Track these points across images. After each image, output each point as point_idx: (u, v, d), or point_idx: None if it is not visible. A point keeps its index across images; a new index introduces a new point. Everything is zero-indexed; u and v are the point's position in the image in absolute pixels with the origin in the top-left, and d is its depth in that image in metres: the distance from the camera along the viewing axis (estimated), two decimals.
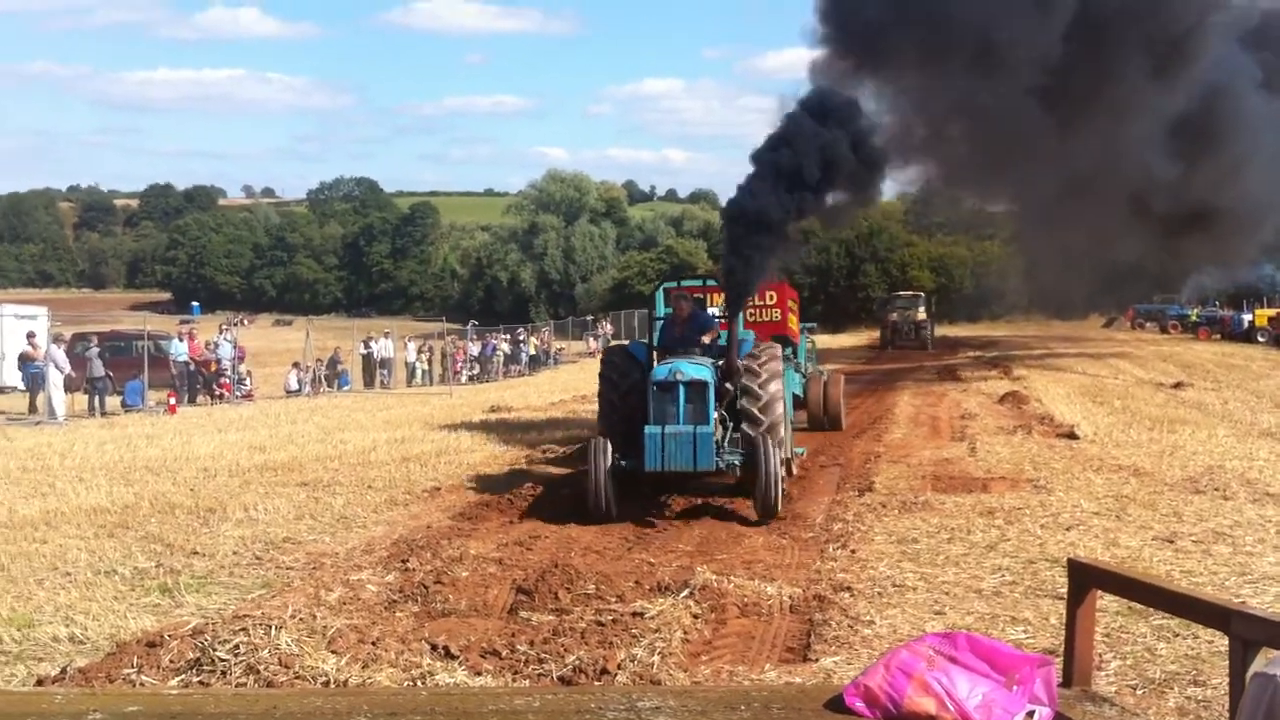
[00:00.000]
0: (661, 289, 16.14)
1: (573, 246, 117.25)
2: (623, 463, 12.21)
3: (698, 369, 12.36)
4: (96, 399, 28.63)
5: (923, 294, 62.10)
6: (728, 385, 12.79)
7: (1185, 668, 6.58)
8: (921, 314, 55.96)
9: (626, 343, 16.04)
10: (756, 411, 12.76)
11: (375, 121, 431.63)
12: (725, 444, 12.48)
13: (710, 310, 15.66)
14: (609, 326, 66.76)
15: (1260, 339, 51.88)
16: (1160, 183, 27.45)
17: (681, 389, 12.12)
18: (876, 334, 60.26)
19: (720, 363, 13.03)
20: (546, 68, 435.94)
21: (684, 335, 13.49)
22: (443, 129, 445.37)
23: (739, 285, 13.64)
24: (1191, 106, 27.25)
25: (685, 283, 16.59)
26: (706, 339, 13.50)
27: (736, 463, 12.29)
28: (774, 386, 12.96)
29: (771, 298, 19.68)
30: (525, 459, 17.29)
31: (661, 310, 15.32)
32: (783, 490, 12.65)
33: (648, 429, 11.97)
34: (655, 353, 13.78)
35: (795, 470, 14.33)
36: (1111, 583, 5.69)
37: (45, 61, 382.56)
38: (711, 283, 16.47)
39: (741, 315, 15.25)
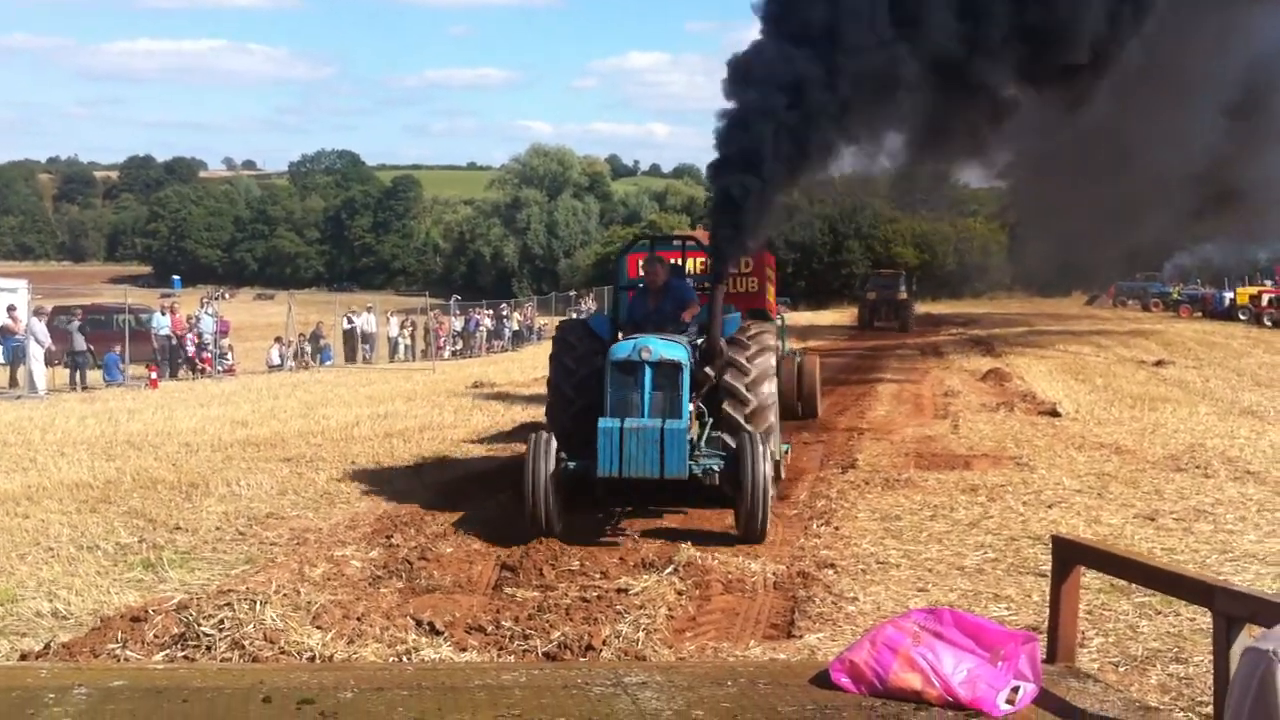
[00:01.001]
0: (628, 253, 14.13)
1: (556, 221, 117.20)
2: (570, 465, 9.93)
3: (671, 347, 10.12)
4: (78, 373, 28.52)
5: (903, 273, 60.42)
6: (707, 370, 10.56)
7: (1167, 645, 6.62)
8: (902, 293, 53.81)
9: (585, 315, 13.57)
10: (743, 400, 10.63)
11: (358, 94, 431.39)
12: (703, 444, 10.34)
13: (688, 280, 12.80)
14: (592, 302, 66.79)
15: (1241, 317, 52.14)
16: (1203, 157, 27.10)
17: (648, 372, 9.92)
18: (858, 312, 57.82)
19: (700, 342, 10.84)
20: (531, 40, 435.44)
21: (658, 309, 11.29)
22: (425, 101, 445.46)
23: (731, 238, 11.30)
24: (1237, 77, 26.81)
25: (660, 247, 13.95)
26: (686, 316, 11.27)
27: (716, 468, 9.98)
28: (765, 368, 10.87)
29: (747, 265, 16.79)
30: (508, 434, 17.27)
31: (624, 275, 13.52)
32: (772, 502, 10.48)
33: (602, 423, 9.65)
34: (621, 330, 11.54)
35: (784, 473, 12.16)
36: (1096, 559, 5.72)
37: (25, 34, 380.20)
38: (692, 245, 13.77)
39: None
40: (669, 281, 11.54)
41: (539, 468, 9.75)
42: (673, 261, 12.56)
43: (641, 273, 11.96)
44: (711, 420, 10.71)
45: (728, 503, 10.10)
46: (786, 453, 12.67)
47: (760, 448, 9.66)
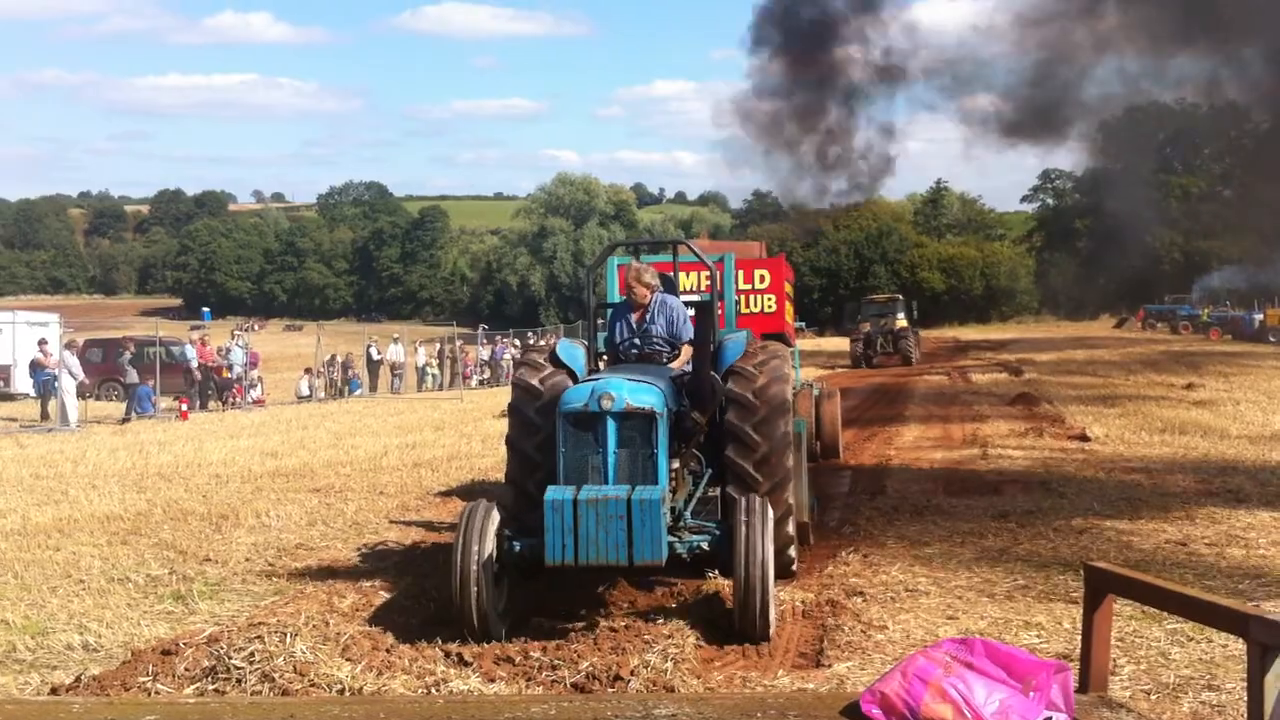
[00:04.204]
0: (614, 261, 11.82)
1: (582, 250, 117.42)
2: (516, 545, 7.84)
3: (642, 390, 7.82)
4: (131, 404, 28.83)
5: (900, 298, 51.32)
6: (695, 415, 8.33)
7: (1199, 672, 6.56)
8: (900, 321, 46.83)
9: (554, 342, 10.55)
10: (750, 445, 8.56)
11: (385, 125, 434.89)
12: (688, 513, 8.18)
13: (687, 297, 10.39)
14: None
15: (1271, 339, 51.86)
16: None
17: (611, 425, 7.69)
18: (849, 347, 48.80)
19: (687, 377, 8.61)
20: (556, 70, 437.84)
21: (643, 333, 9.21)
22: (452, 132, 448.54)
23: None
24: None
25: (650, 258, 11.83)
26: (676, 364, 9.05)
27: (705, 546, 7.92)
28: (778, 401, 8.67)
29: (763, 279, 14.35)
30: None
31: (614, 292, 11.27)
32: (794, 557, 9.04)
33: (551, 492, 7.40)
34: (601, 361, 9.63)
35: (811, 536, 10.42)
36: (1129, 589, 5.66)
37: (56, 69, 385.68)
38: (689, 258, 10.66)
39: (732, 301, 11.57)
40: (659, 299, 9.27)
41: (470, 552, 7.48)
42: (664, 275, 9.98)
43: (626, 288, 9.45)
44: (710, 473, 8.61)
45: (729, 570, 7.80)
46: (813, 510, 10.75)
47: (761, 519, 7.52)
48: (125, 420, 27.77)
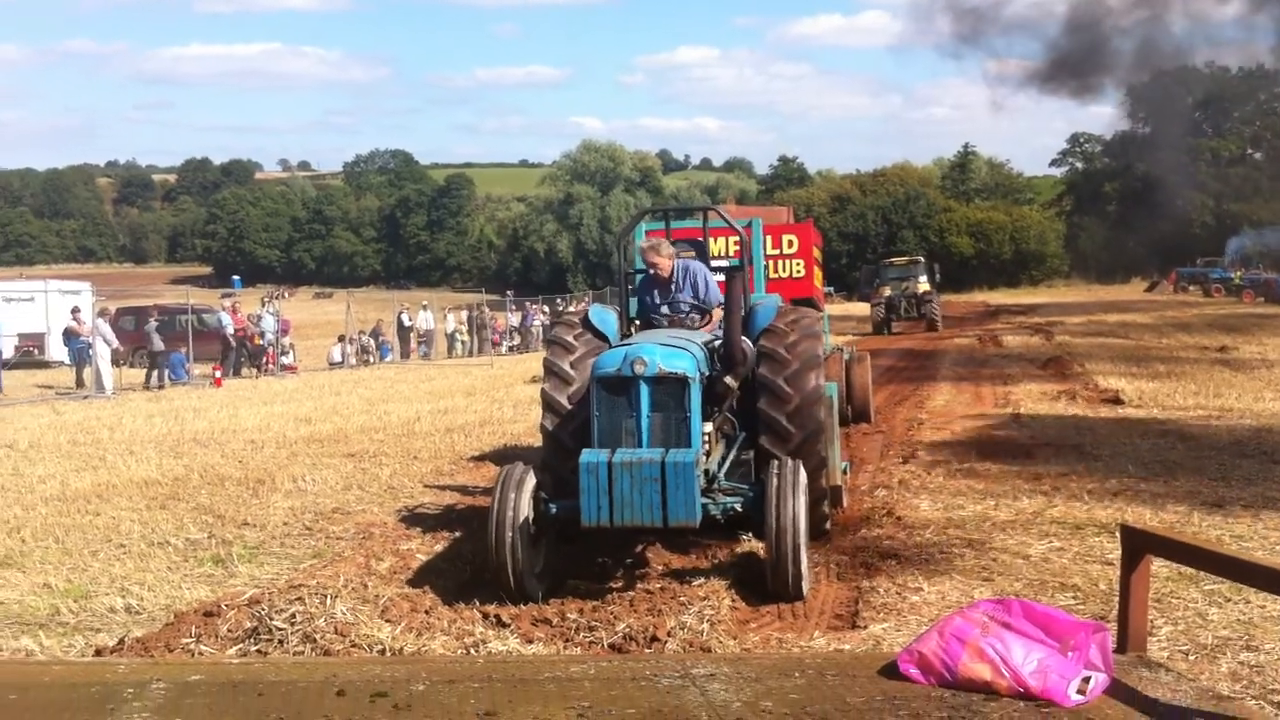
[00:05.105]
0: (644, 227, 11.86)
1: (608, 216, 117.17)
2: (552, 508, 7.96)
3: (675, 355, 7.91)
4: (156, 373, 29.07)
5: (922, 259, 48.38)
6: (728, 380, 8.44)
7: (1237, 633, 6.55)
8: (923, 284, 44.46)
9: (586, 307, 10.61)
10: (783, 397, 8.76)
11: (409, 94, 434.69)
12: (721, 475, 8.25)
13: (716, 263, 10.48)
14: None
15: None
16: None
17: (644, 389, 7.78)
18: (870, 312, 46.75)
19: (718, 342, 8.77)
20: (579, 37, 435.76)
21: (671, 301, 9.48)
22: (476, 100, 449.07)
23: None
24: None
25: (678, 224, 11.93)
26: (707, 327, 9.32)
27: (738, 508, 7.98)
28: (810, 357, 8.91)
29: (791, 244, 14.29)
30: None
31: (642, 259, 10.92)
32: (829, 519, 9.27)
33: (586, 455, 7.51)
34: (632, 326, 9.78)
35: (845, 499, 10.54)
36: (1166, 548, 5.66)
37: (83, 39, 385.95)
38: (717, 224, 10.83)
39: (761, 266, 11.69)
40: (685, 266, 9.48)
41: (506, 514, 7.58)
42: (694, 241, 10.35)
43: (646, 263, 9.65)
44: (743, 436, 8.83)
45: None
46: (846, 472, 10.80)
47: (795, 480, 7.63)
48: (148, 388, 27.99)
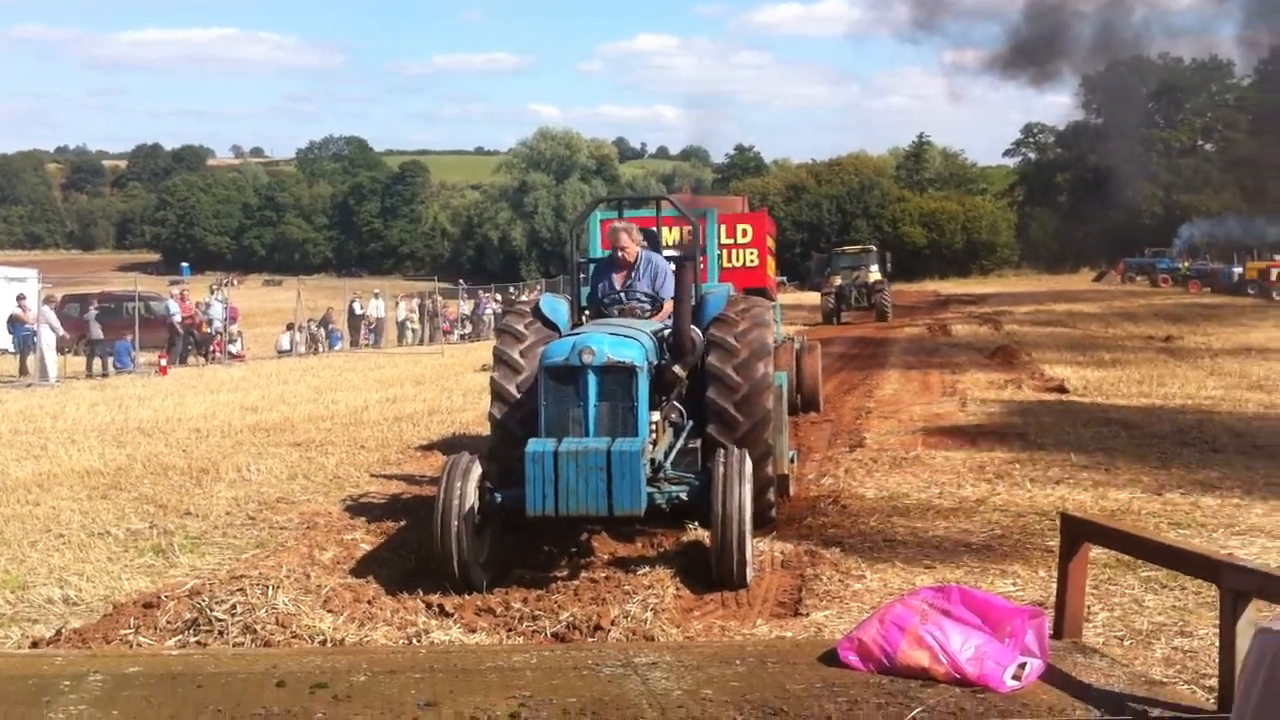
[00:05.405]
0: (597, 216, 11.79)
1: (563, 205, 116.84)
2: (498, 497, 7.94)
3: (623, 345, 7.94)
4: (95, 361, 28.74)
5: (874, 249, 48.31)
6: (676, 369, 8.50)
7: (1172, 619, 6.64)
8: (874, 273, 43.92)
9: (538, 297, 10.72)
10: (731, 386, 8.76)
11: (367, 80, 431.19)
12: (668, 464, 8.26)
13: (669, 252, 10.49)
14: None
15: (1250, 292, 52.08)
16: None
17: (592, 378, 7.77)
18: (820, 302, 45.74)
19: (667, 331, 8.81)
20: (540, 24, 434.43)
21: (627, 288, 9.48)
22: (435, 87, 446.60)
23: None
24: None
25: (632, 213, 11.90)
26: (659, 316, 9.32)
27: (684, 496, 7.99)
28: (759, 346, 8.93)
29: (745, 233, 14.35)
30: None
31: (597, 248, 11.18)
32: (775, 505, 9.26)
33: (532, 445, 7.49)
34: (583, 315, 9.86)
35: (793, 486, 10.65)
36: (1104, 537, 5.73)
37: (35, 24, 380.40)
38: (671, 212, 10.92)
39: (714, 256, 11.70)
40: (643, 255, 9.53)
41: (451, 503, 7.55)
42: (645, 231, 10.16)
43: (612, 244, 9.63)
44: (690, 425, 8.77)
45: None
46: (793, 461, 10.79)
47: (741, 469, 7.68)
48: (90, 376, 27.68)
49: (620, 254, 9.44)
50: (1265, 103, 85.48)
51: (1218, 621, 4.72)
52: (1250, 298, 50.22)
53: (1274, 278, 51.55)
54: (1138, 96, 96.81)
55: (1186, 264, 68.61)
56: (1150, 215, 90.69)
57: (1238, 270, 57.55)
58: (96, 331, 29.20)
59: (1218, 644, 4.75)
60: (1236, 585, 4.50)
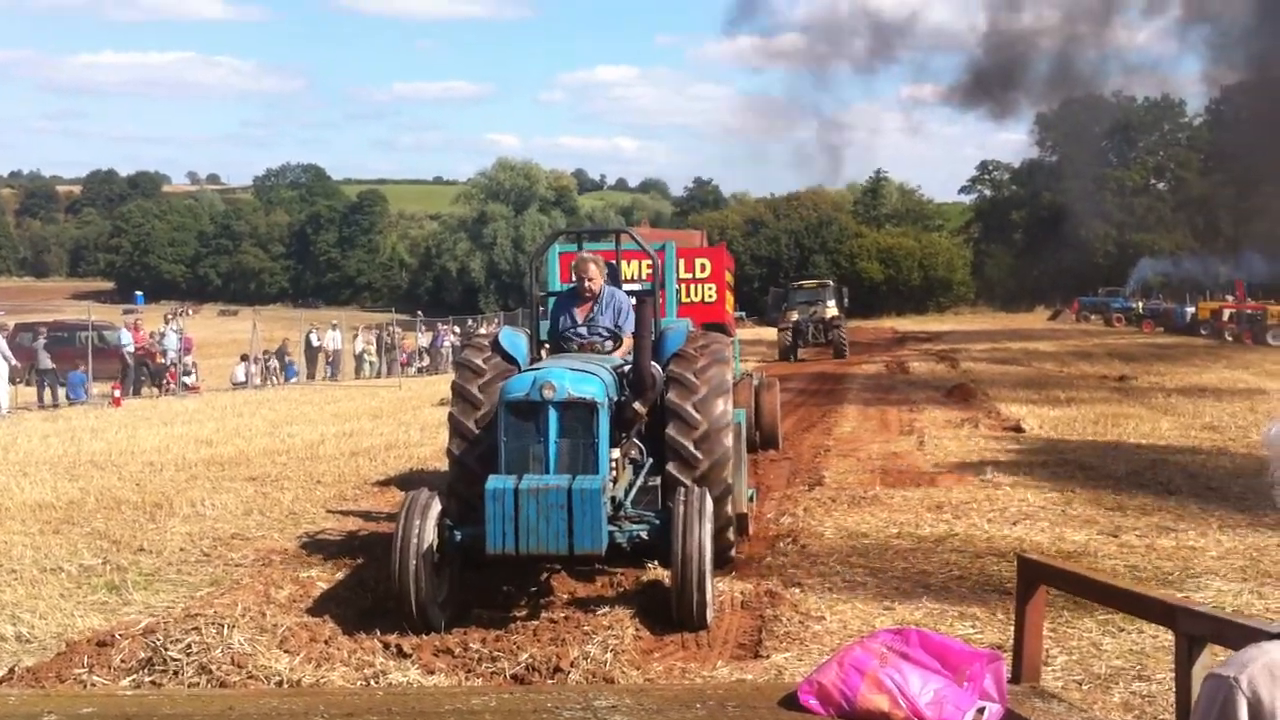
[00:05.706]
0: (556, 249, 11.76)
1: (522, 236, 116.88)
2: (457, 535, 7.87)
3: (584, 380, 7.90)
4: (46, 391, 28.38)
5: (831, 283, 47.58)
6: (636, 405, 8.46)
7: (1130, 663, 6.69)
8: (831, 309, 43.28)
9: (498, 329, 10.68)
10: (690, 424, 8.60)
11: (325, 107, 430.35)
12: (628, 502, 8.27)
13: (629, 286, 10.63)
14: None
15: (1203, 332, 52.74)
16: None
17: (552, 414, 7.73)
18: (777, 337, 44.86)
19: (628, 367, 8.81)
20: (499, 53, 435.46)
21: (589, 322, 9.34)
22: (393, 115, 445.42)
23: None
24: None
25: (591, 246, 11.60)
26: (619, 352, 9.21)
27: (644, 535, 7.95)
28: (718, 383, 8.81)
29: (704, 268, 14.38)
30: None
31: (556, 281, 11.18)
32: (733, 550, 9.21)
33: (492, 482, 7.44)
34: (543, 349, 9.84)
35: (751, 525, 10.63)
36: (1060, 580, 5.77)
37: None
38: (631, 246, 10.98)
39: (673, 290, 11.56)
40: (606, 289, 9.43)
41: (410, 541, 7.40)
42: (607, 263, 10.00)
43: (574, 277, 9.58)
44: (650, 462, 8.80)
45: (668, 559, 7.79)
46: (752, 500, 10.95)
47: (701, 508, 7.58)
48: (42, 407, 27.37)
49: (587, 284, 9.31)
50: (1216, 142, 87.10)
51: (1174, 666, 4.76)
52: (1203, 338, 50.87)
53: (1226, 318, 52.27)
54: (1091, 135, 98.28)
55: (1141, 303, 69.46)
56: (1104, 254, 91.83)
57: (1190, 310, 58.35)
58: (45, 361, 28.83)
59: (1175, 689, 4.79)
60: (1191, 630, 4.54)
